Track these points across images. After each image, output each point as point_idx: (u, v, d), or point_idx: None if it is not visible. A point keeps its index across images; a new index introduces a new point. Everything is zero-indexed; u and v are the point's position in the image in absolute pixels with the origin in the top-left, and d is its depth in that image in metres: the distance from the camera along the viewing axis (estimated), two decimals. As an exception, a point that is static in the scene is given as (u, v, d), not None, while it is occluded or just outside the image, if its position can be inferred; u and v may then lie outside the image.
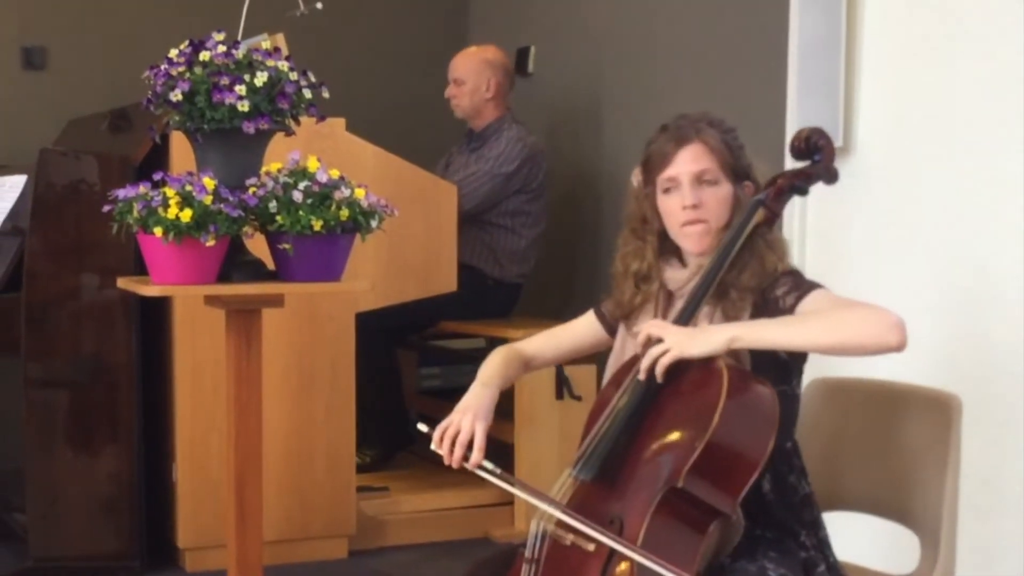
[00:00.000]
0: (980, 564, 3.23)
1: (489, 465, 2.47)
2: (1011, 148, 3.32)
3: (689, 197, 2.52)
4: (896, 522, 2.74)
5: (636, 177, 2.66)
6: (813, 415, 2.82)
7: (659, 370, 2.38)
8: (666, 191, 2.56)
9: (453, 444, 2.49)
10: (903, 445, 2.71)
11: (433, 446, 2.53)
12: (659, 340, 2.39)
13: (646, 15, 5.09)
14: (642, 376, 2.40)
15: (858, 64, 3.75)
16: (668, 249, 2.62)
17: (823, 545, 2.55)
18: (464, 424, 2.51)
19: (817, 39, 3.78)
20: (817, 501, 2.58)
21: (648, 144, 2.62)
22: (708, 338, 2.37)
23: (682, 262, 2.60)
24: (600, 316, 2.77)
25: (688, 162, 2.54)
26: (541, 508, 2.41)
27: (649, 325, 2.45)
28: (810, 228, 3.85)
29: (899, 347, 2.32)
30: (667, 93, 4.89)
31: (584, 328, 2.80)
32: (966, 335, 3.44)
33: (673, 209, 2.55)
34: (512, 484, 2.47)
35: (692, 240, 2.55)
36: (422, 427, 2.56)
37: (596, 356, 4.51)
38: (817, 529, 2.56)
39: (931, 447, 2.65)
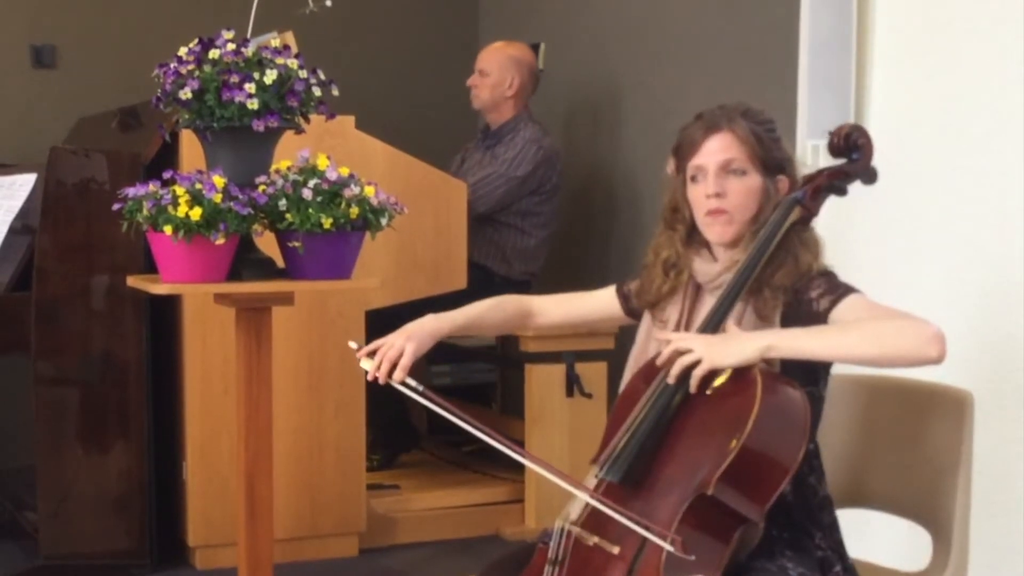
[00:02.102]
0: (992, 561, 3.22)
1: (412, 382, 2.50)
2: (1022, 146, 3.31)
3: (712, 186, 2.49)
4: (908, 519, 2.74)
5: (670, 166, 2.62)
6: (828, 411, 2.81)
7: (693, 383, 2.33)
8: (693, 179, 2.54)
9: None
10: (916, 442, 2.70)
11: (361, 361, 2.55)
12: (688, 351, 2.34)
13: (655, 12, 5.08)
14: (671, 381, 2.36)
15: (869, 62, 3.74)
16: (699, 241, 2.58)
17: (839, 547, 2.53)
18: (396, 343, 2.54)
19: (828, 36, 3.77)
20: (832, 503, 2.57)
21: (681, 130, 2.58)
22: (741, 347, 2.32)
23: (713, 255, 2.57)
24: (621, 293, 2.74)
25: (715, 151, 2.51)
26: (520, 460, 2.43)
27: (676, 339, 2.39)
28: (820, 226, 3.83)
29: (939, 359, 2.29)
30: (677, 91, 4.88)
31: (602, 300, 2.77)
32: (977, 333, 3.43)
33: (698, 198, 2.53)
34: (437, 404, 2.47)
35: (714, 230, 2.51)
36: (352, 344, 2.59)
37: (608, 354, 4.55)
38: (833, 531, 2.54)
39: (944, 444, 2.64)
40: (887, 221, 3.68)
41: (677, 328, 2.57)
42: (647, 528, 2.26)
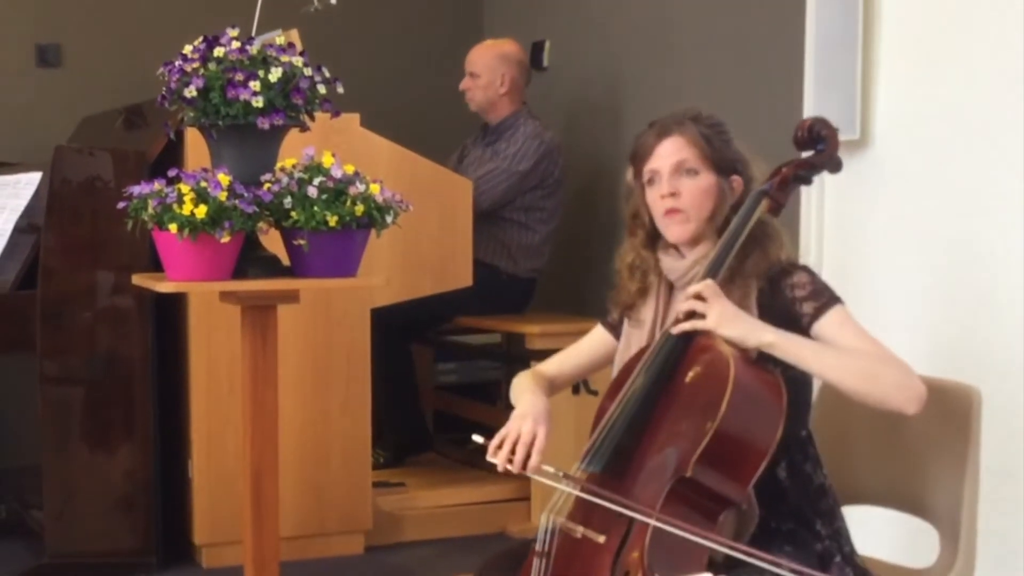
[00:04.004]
0: (1001, 557, 3.22)
1: (550, 469, 2.43)
2: (1029, 140, 3.30)
3: (666, 186, 2.58)
4: (916, 516, 2.74)
5: (629, 174, 2.71)
6: (831, 408, 2.81)
7: (683, 327, 2.43)
8: (650, 183, 2.62)
9: (512, 452, 2.46)
10: (922, 438, 2.70)
11: (489, 456, 2.48)
12: (703, 301, 2.42)
13: (662, 9, 5.08)
14: (676, 326, 2.44)
15: (875, 58, 3.73)
16: (665, 243, 2.65)
17: (838, 535, 2.56)
18: (524, 428, 2.49)
19: (834, 33, 3.77)
20: (835, 493, 2.59)
21: (636, 138, 2.68)
22: (745, 329, 2.41)
23: (680, 252, 2.63)
24: (607, 326, 2.80)
25: (667, 154, 2.59)
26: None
27: (704, 286, 2.44)
28: (827, 221, 3.84)
29: (912, 415, 2.40)
30: (682, 87, 4.87)
31: (595, 341, 2.84)
32: (983, 327, 3.42)
33: (655, 200, 2.60)
34: (581, 489, 2.42)
35: (672, 230, 2.59)
36: (477, 438, 2.50)
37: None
38: (833, 519, 2.56)
39: (950, 440, 2.64)
40: (894, 217, 3.68)
41: (653, 329, 2.62)
42: (631, 508, 2.30)
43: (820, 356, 2.41)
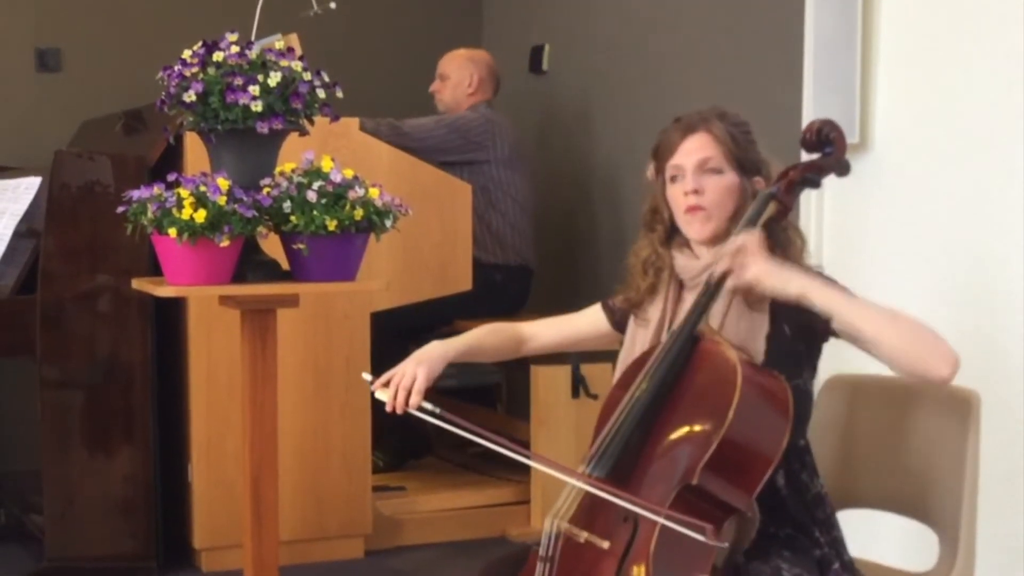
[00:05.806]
0: (1001, 562, 3.22)
1: (428, 406, 2.52)
2: (1028, 144, 3.31)
3: (690, 183, 2.56)
4: (915, 519, 2.74)
5: (650, 171, 2.69)
6: (830, 413, 2.81)
7: (731, 283, 2.40)
8: (672, 179, 2.60)
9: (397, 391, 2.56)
10: (921, 442, 2.70)
11: (376, 392, 2.59)
12: (748, 255, 2.39)
13: (662, 12, 5.08)
14: (718, 270, 2.41)
15: (874, 61, 3.73)
16: (681, 240, 2.64)
17: (836, 543, 2.55)
18: (408, 370, 2.58)
19: (833, 36, 3.77)
20: (831, 501, 2.58)
21: (660, 133, 2.65)
22: (786, 279, 2.37)
23: (695, 252, 2.61)
24: (607, 309, 2.79)
25: (692, 151, 2.57)
26: (561, 479, 2.43)
27: (746, 238, 2.42)
28: (827, 223, 3.84)
29: (945, 382, 2.34)
30: (683, 90, 4.87)
31: (588, 319, 2.83)
32: (984, 331, 3.42)
33: (677, 196, 2.59)
34: (456, 425, 2.48)
35: (694, 227, 2.57)
36: (366, 376, 2.63)
37: (613, 355, 4.54)
38: (830, 528, 2.55)
39: (949, 444, 2.64)
40: (893, 220, 3.68)
41: (659, 329, 2.61)
42: (643, 506, 2.29)
43: (852, 306, 2.37)
